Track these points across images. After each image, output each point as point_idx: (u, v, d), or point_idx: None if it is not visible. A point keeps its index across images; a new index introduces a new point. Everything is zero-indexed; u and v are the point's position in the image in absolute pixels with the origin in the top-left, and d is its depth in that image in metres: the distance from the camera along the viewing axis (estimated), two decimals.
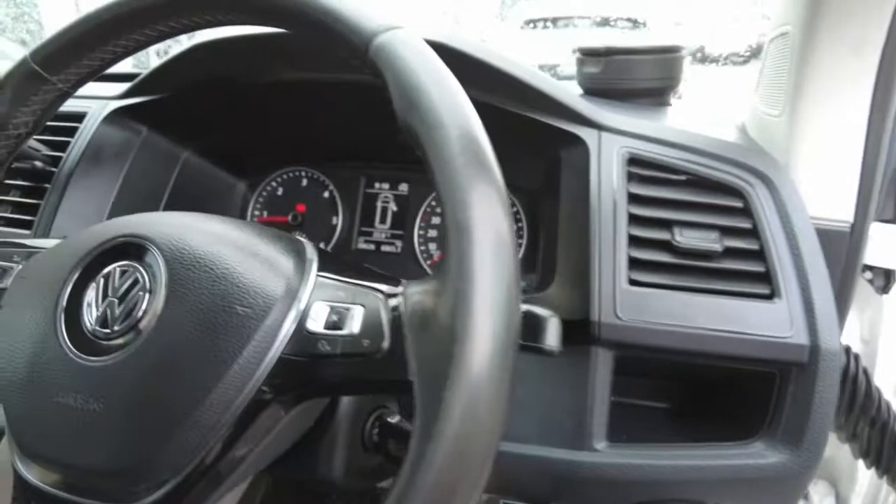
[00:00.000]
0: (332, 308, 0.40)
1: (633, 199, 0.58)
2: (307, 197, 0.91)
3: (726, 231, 0.57)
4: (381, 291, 0.41)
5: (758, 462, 0.55)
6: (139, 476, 0.39)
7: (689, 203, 0.58)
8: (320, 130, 0.84)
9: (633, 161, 0.60)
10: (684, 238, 0.56)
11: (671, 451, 0.57)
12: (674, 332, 0.53)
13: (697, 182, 0.59)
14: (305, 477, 0.57)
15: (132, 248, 0.43)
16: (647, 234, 0.57)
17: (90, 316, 0.41)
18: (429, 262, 0.84)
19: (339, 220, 0.89)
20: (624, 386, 0.60)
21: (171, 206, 0.82)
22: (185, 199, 0.83)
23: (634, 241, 0.57)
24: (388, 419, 0.58)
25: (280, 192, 0.92)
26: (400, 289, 0.41)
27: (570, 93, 0.65)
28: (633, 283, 0.55)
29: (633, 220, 0.57)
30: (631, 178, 0.59)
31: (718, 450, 0.56)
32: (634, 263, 0.56)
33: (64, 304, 0.42)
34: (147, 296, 0.40)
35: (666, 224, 0.57)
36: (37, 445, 0.40)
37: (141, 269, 0.42)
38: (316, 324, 0.40)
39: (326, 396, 0.49)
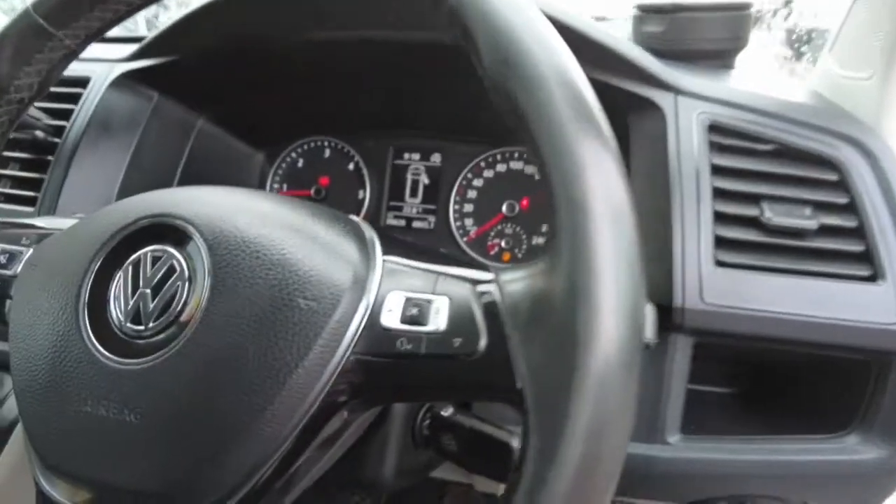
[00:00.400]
0: (408, 299, 0.34)
1: (717, 171, 0.52)
2: (330, 169, 0.84)
3: (820, 206, 0.51)
4: (469, 279, 0.35)
5: (851, 458, 0.50)
6: (186, 499, 0.33)
7: (778, 175, 0.52)
8: (346, 96, 0.76)
9: (715, 129, 0.54)
10: (774, 214, 0.50)
11: (751, 445, 0.52)
12: (764, 319, 0.48)
13: (786, 152, 0.53)
14: (351, 479, 0.52)
15: (165, 231, 0.36)
16: (734, 210, 0.51)
17: (119, 310, 0.35)
18: (465, 240, 0.78)
19: (366, 194, 0.82)
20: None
21: (186, 179, 0.75)
22: (201, 171, 0.77)
23: (720, 217, 0.51)
24: (441, 412, 0.53)
25: (301, 163, 0.85)
26: (490, 275, 0.35)
27: (639, 50, 0.58)
28: (719, 264, 0.50)
29: (718, 194, 0.52)
30: (713, 147, 0.53)
31: (804, 443, 0.52)
32: (720, 242, 0.50)
33: (86, 296, 0.36)
34: (187, 286, 0.34)
35: (753, 199, 0.52)
36: (62, 460, 0.35)
37: (177, 254, 0.35)
38: (392, 318, 0.34)
39: (406, 402, 0.43)
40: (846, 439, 0.51)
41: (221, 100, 0.75)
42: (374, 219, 0.82)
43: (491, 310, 0.33)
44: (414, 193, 0.81)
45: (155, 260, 0.36)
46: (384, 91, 0.74)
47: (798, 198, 0.51)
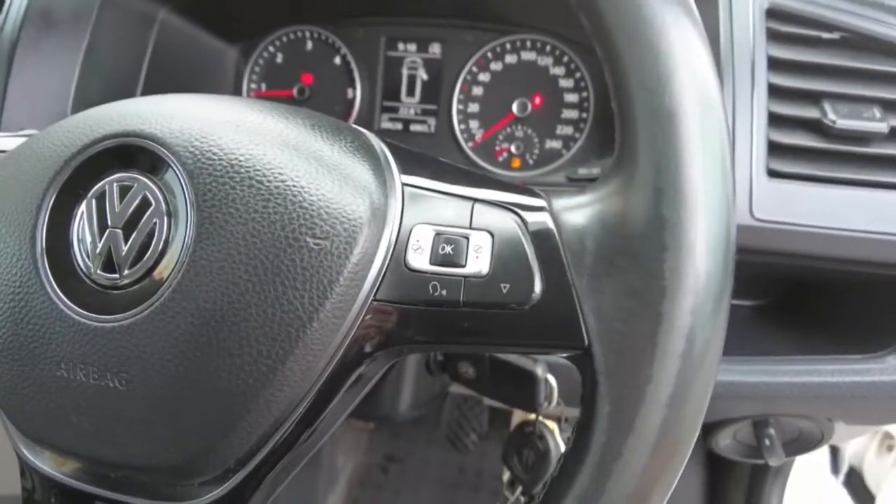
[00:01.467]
0: (439, 234, 0.28)
1: (774, 64, 0.45)
2: (314, 64, 0.74)
3: (891, 106, 0.45)
4: (514, 206, 0.29)
5: (890, 378, 0.48)
6: (189, 472, 0.29)
7: (845, 69, 0.45)
8: None
9: (773, 14, 0.46)
10: (838, 116, 0.44)
11: (781, 367, 0.49)
12: (823, 236, 0.43)
13: (855, 42, 0.46)
14: (364, 413, 0.48)
15: (133, 154, 0.29)
16: (792, 112, 0.45)
17: (84, 255, 0.29)
18: (470, 145, 0.71)
19: (356, 93, 0.73)
20: None
21: (152, 83, 0.65)
22: (169, 72, 0.67)
23: (775, 119, 0.44)
24: None
25: (280, 58, 0.75)
26: (541, 202, 0.29)
27: None
28: (772, 174, 0.44)
29: (774, 91, 0.45)
30: (770, 36, 0.46)
31: (839, 364, 0.49)
32: (774, 149, 0.44)
33: (43, 239, 0.29)
34: (165, 224, 0.28)
35: (815, 98, 0.45)
36: (42, 432, 0.30)
37: (150, 184, 0.29)
38: (420, 258, 0.28)
39: (440, 350, 0.39)
40: (886, 360, 0.48)
41: None
42: (366, 122, 0.73)
43: (547, 247, 0.27)
44: (411, 92, 0.73)
45: (124, 191, 0.29)
46: None
47: (866, 96, 0.45)
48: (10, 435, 0.32)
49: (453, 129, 0.71)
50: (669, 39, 0.24)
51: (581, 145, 0.67)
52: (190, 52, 0.70)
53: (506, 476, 0.51)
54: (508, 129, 0.69)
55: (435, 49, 0.71)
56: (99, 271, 0.28)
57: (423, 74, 0.72)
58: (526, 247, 0.27)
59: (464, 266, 0.27)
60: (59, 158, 0.30)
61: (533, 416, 0.49)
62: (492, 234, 0.28)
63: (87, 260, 0.29)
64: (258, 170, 0.28)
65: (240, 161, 0.28)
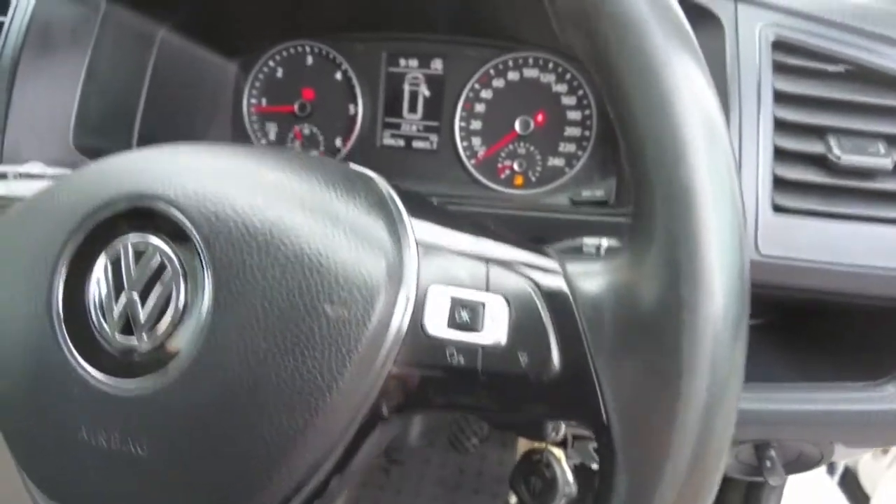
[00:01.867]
0: (455, 300, 0.28)
1: (779, 97, 0.45)
2: (315, 79, 0.74)
3: (895, 141, 0.45)
4: (527, 269, 0.29)
5: (890, 407, 0.48)
6: None
7: (851, 104, 0.45)
8: None
9: (780, 46, 0.46)
10: (843, 151, 0.44)
11: (782, 394, 0.50)
12: (828, 272, 0.44)
13: (861, 75, 0.46)
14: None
15: (147, 216, 0.29)
16: (797, 147, 0.45)
17: (101, 318, 0.29)
18: (473, 162, 0.71)
19: (358, 109, 0.73)
20: None
21: (153, 100, 0.65)
22: (170, 90, 0.66)
23: (781, 154, 0.45)
24: None
25: (280, 73, 0.74)
26: (554, 264, 0.29)
27: None
28: (777, 209, 0.44)
29: (779, 125, 0.45)
30: (776, 68, 0.46)
31: (840, 392, 0.50)
32: (780, 184, 0.44)
33: (59, 301, 0.29)
34: (182, 290, 0.28)
35: (820, 132, 0.45)
36: (64, 492, 0.30)
37: (164, 247, 0.29)
38: (437, 322, 0.28)
39: (457, 412, 0.39)
40: (886, 388, 0.49)
41: (183, 2, 0.63)
42: (368, 138, 0.73)
43: (564, 318, 0.27)
44: (413, 108, 0.72)
45: (138, 255, 0.29)
46: None
47: (871, 131, 0.45)
48: (31, 492, 0.32)
49: (456, 146, 0.71)
50: (690, 124, 0.24)
51: (584, 163, 0.67)
52: (190, 68, 0.69)
53: (513, 501, 0.52)
54: (511, 147, 0.69)
55: (437, 65, 0.71)
56: (117, 335, 0.29)
57: (425, 90, 0.72)
58: (543, 316, 0.27)
59: (480, 331, 0.28)
60: (73, 219, 0.30)
61: (540, 444, 0.50)
62: (508, 301, 0.28)
63: (104, 323, 0.29)
64: (274, 236, 0.28)
65: (256, 227, 0.28)
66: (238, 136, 0.75)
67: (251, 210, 0.28)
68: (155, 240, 0.29)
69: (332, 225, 0.29)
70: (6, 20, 0.56)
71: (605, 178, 0.64)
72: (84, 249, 0.30)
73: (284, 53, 0.74)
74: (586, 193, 0.62)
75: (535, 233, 0.53)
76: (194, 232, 0.28)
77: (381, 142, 0.73)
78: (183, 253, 0.29)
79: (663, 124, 0.24)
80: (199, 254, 0.28)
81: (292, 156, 0.34)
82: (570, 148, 0.68)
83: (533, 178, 0.69)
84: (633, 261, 0.26)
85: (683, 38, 0.25)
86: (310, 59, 0.74)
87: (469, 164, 0.71)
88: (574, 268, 0.28)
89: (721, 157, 0.24)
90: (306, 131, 0.74)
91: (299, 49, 0.74)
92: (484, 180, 0.70)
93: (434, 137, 0.72)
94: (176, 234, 0.29)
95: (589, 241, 0.40)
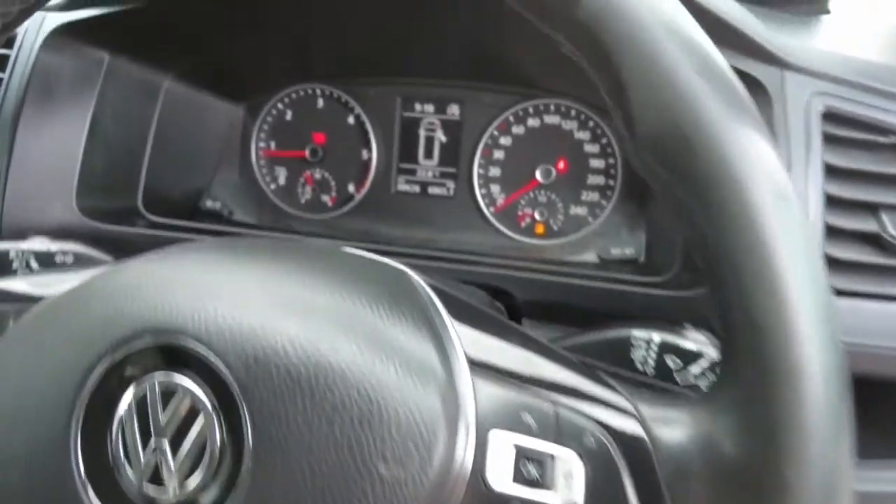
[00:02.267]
0: (520, 450, 0.26)
1: (830, 171, 0.43)
2: (326, 123, 0.71)
3: None
4: (598, 411, 0.26)
5: None
6: None
7: None
8: (337, 30, 0.61)
9: (830, 117, 0.44)
10: None
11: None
12: (885, 357, 0.42)
13: None
14: None
15: (175, 353, 0.27)
16: (849, 225, 0.43)
17: (128, 468, 0.26)
18: (492, 210, 0.68)
19: (372, 155, 0.70)
20: None
21: (157, 151, 0.61)
22: (174, 140, 0.63)
23: (832, 232, 0.43)
24: None
25: (289, 116, 0.71)
26: (628, 405, 0.27)
27: (730, 4, 0.46)
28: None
29: (830, 202, 0.43)
30: (826, 140, 0.43)
31: (868, 471, 0.48)
32: (833, 264, 0.42)
33: (79, 452, 0.26)
34: (218, 437, 0.25)
35: (872, 209, 0.43)
36: None
37: (197, 390, 0.26)
38: (500, 475, 0.25)
39: None
40: None
41: (188, 51, 0.60)
42: (382, 183, 0.71)
43: (643, 473, 0.25)
44: (429, 154, 0.70)
45: (166, 397, 0.26)
46: (386, 23, 0.60)
47: None
48: None
49: (474, 193, 0.68)
50: (788, 280, 0.22)
51: (608, 215, 0.65)
52: (196, 115, 0.66)
53: None
54: (531, 195, 0.67)
55: (454, 110, 0.68)
56: (145, 484, 0.26)
57: (441, 136, 0.69)
58: (623, 476, 0.25)
59: (552, 490, 0.25)
60: (90, 355, 0.27)
61: None
62: (582, 457, 0.25)
63: (130, 474, 0.26)
64: (321, 381, 0.25)
65: (301, 372, 0.25)
66: (246, 181, 0.72)
67: (293, 349, 0.26)
68: (186, 381, 0.26)
69: (382, 360, 0.26)
70: (5, 76, 0.52)
71: (634, 233, 0.62)
72: (104, 388, 0.27)
73: (294, 96, 0.71)
74: (615, 251, 0.59)
75: (561, 298, 0.51)
76: (229, 377, 0.25)
77: (395, 188, 0.70)
78: (217, 397, 0.26)
79: (760, 290, 0.22)
80: (236, 400, 0.25)
81: (323, 255, 0.31)
82: (594, 197, 0.66)
83: (555, 227, 0.67)
84: (715, 415, 0.24)
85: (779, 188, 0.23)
86: (320, 102, 0.71)
87: (488, 211, 0.68)
88: (650, 410, 0.26)
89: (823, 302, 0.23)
90: (317, 176, 0.71)
91: (309, 91, 0.71)
92: (503, 229, 0.68)
93: (451, 184, 0.69)
94: (209, 377, 0.26)
95: (638, 335, 0.38)
